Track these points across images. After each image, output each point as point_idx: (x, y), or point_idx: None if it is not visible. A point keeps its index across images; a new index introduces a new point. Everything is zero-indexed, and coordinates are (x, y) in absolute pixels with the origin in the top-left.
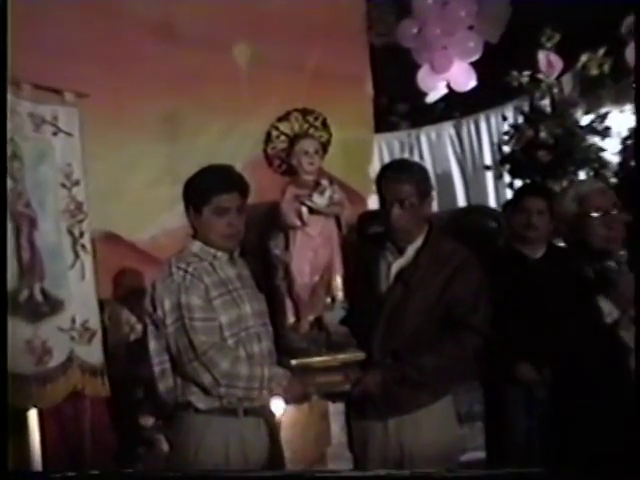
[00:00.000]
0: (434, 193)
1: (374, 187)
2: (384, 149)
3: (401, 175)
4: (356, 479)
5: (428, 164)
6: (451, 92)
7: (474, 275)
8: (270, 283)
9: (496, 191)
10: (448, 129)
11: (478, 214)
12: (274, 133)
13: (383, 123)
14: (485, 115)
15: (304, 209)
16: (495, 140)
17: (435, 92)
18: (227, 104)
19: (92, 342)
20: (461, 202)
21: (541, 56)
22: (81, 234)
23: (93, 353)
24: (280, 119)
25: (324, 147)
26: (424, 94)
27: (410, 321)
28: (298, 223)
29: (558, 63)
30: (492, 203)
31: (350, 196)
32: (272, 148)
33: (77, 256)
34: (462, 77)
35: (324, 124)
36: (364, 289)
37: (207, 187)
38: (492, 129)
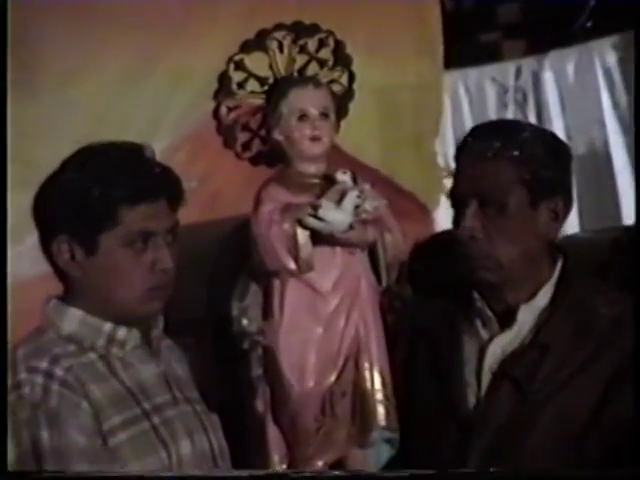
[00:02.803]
0: (568, 190)
1: (446, 184)
2: (464, 100)
3: (489, 148)
4: (357, 479)
5: (558, 130)
6: None
7: None
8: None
9: None
10: (602, 54)
11: None
12: (234, 76)
13: (465, 49)
14: None
15: (301, 234)
16: None
17: None
18: (137, 18)
19: None
20: (629, 213)
21: None
22: None
23: None
24: (246, 46)
25: (340, 103)
26: None
27: (535, 464)
28: (291, 265)
29: None
30: None
31: (399, 204)
32: (230, 108)
33: None
34: None
35: (338, 54)
36: (431, 399)
37: (107, 192)
38: None
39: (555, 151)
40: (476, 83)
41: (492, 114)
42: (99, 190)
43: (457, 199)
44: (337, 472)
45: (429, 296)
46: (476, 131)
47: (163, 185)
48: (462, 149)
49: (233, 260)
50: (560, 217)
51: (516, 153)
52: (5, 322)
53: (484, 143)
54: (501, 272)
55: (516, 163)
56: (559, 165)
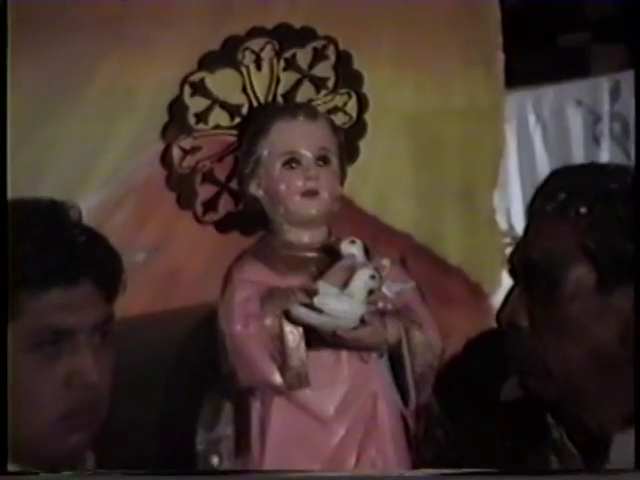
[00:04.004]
0: None
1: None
2: (536, 133)
3: (551, 201)
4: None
5: None
6: None
7: None
8: None
9: None
10: None
11: None
12: (191, 103)
13: (536, 58)
14: None
15: (291, 333)
16: None
17: None
18: (55, 21)
19: None
20: None
21: None
22: None
23: None
24: (209, 60)
25: (347, 141)
26: None
27: None
28: (276, 379)
29: None
30: None
31: (438, 286)
32: (186, 150)
33: None
34: None
35: (342, 70)
36: None
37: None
38: None
39: None
40: (553, 108)
41: (578, 152)
42: None
43: (511, 272)
44: (338, 473)
45: (483, 420)
46: (553, 176)
47: (89, 260)
48: (533, 201)
49: (197, 369)
50: None
51: (583, 210)
52: (5, 321)
53: (549, 194)
54: (556, 383)
55: (579, 225)
56: None
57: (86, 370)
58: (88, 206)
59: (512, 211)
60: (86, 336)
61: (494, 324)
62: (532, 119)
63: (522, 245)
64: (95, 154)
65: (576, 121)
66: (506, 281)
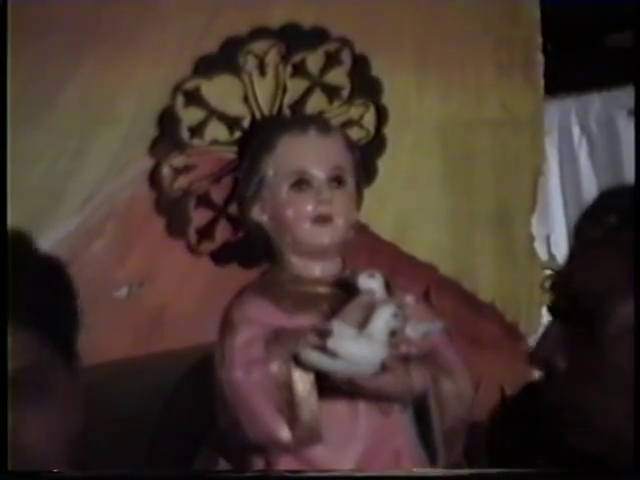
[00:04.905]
0: None
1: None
2: (581, 147)
3: (600, 226)
4: (356, 479)
5: None
6: None
7: None
8: None
9: None
10: None
11: None
12: (185, 115)
13: (579, 62)
14: None
15: (301, 379)
16: None
17: None
18: (30, 23)
19: None
20: None
21: None
22: None
23: None
24: (205, 66)
25: (364, 159)
26: None
27: None
28: (283, 435)
29: None
30: None
31: (470, 326)
32: (178, 169)
33: None
34: None
35: (358, 77)
36: None
37: None
38: None
39: None
40: (600, 118)
41: (630, 170)
42: None
43: (552, 305)
44: (337, 473)
45: None
46: (601, 197)
47: (34, 299)
48: (579, 224)
49: (187, 423)
50: None
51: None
52: (5, 320)
53: (598, 217)
54: (600, 438)
55: (630, 255)
56: None
57: (20, 430)
58: (61, 233)
59: (553, 238)
60: (24, 389)
61: (533, 370)
62: (577, 131)
63: (564, 275)
64: (69, 172)
65: (627, 133)
66: (546, 320)
